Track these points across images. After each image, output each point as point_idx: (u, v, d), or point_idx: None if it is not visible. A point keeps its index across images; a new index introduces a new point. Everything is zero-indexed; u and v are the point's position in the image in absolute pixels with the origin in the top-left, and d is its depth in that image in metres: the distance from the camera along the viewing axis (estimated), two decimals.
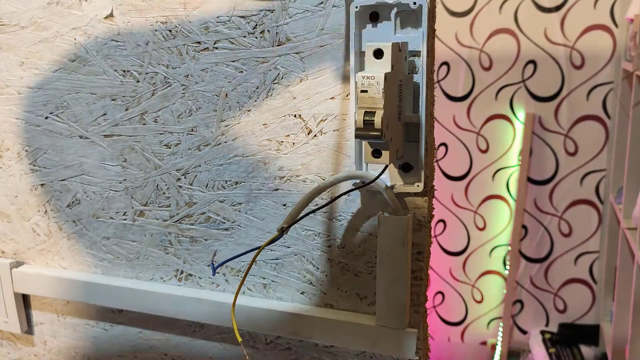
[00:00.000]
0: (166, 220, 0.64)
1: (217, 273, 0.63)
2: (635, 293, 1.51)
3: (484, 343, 2.24)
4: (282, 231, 0.52)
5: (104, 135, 0.64)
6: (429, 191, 0.54)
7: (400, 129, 0.51)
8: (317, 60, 0.54)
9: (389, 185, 0.53)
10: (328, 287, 0.60)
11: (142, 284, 0.66)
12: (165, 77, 0.60)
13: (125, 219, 0.66)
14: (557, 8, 1.89)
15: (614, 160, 1.84)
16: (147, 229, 0.65)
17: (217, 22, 0.56)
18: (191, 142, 0.61)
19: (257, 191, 0.59)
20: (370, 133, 0.47)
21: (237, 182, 0.60)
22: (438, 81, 2.05)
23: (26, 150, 0.68)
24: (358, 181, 0.54)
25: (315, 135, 0.56)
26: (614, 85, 1.88)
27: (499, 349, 2.15)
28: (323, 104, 0.55)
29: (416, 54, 0.51)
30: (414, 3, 0.49)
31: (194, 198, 0.62)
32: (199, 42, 0.58)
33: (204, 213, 0.62)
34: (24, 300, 0.74)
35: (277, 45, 0.55)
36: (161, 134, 0.62)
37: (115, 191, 0.65)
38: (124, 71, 0.61)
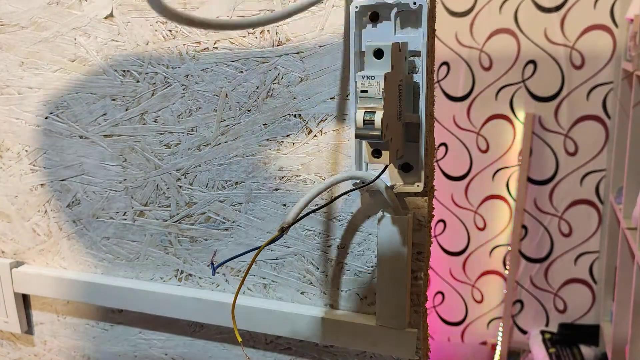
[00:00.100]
0: (166, 220, 0.64)
1: (217, 273, 0.63)
2: (635, 293, 1.51)
3: (484, 343, 2.24)
4: (282, 231, 0.52)
5: (104, 135, 0.64)
6: (429, 191, 0.54)
7: (400, 129, 0.51)
8: (317, 60, 0.54)
9: (389, 185, 0.53)
10: (328, 287, 0.60)
11: (142, 284, 0.66)
12: (165, 77, 0.60)
13: (125, 219, 0.66)
14: (557, 8, 1.89)
15: (614, 160, 1.84)
16: (147, 229, 0.65)
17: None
18: (191, 142, 0.61)
19: (257, 191, 0.59)
20: (370, 133, 0.47)
21: (237, 182, 0.60)
22: (438, 81, 2.05)
23: (26, 150, 0.68)
24: (358, 181, 0.54)
25: (315, 135, 0.56)
26: (614, 85, 1.88)
27: (499, 349, 2.15)
28: (323, 104, 0.55)
29: (416, 54, 0.51)
30: (414, 3, 0.49)
31: (194, 198, 0.62)
32: (199, 42, 0.58)
33: (204, 213, 0.62)
34: (24, 300, 0.74)
35: (277, 45, 0.55)
36: (161, 134, 0.62)
37: (115, 191, 0.65)
38: (124, 71, 0.61)
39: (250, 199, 0.60)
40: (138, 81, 0.61)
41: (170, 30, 0.58)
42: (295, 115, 0.56)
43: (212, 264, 0.62)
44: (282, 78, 0.56)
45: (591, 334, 2.05)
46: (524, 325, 2.18)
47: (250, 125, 0.58)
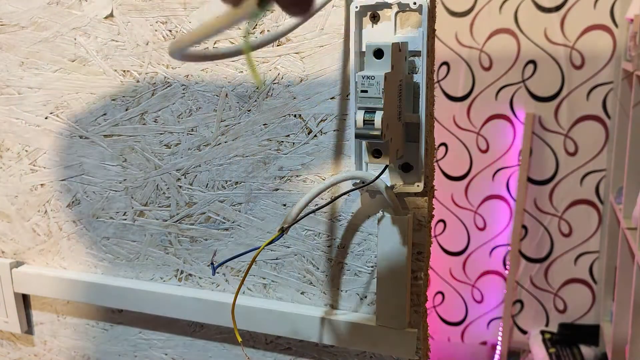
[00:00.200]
0: (166, 220, 0.64)
1: (217, 273, 0.63)
2: (635, 293, 1.51)
3: (484, 343, 2.24)
4: (282, 231, 0.52)
5: (104, 135, 0.64)
6: (429, 191, 0.54)
7: (400, 129, 0.51)
8: (317, 60, 0.54)
9: (389, 185, 0.53)
10: (328, 287, 0.60)
11: (142, 284, 0.66)
12: (165, 77, 0.60)
13: (125, 219, 0.66)
14: (557, 8, 1.89)
15: (614, 160, 1.84)
16: (147, 229, 0.65)
17: None
18: (191, 142, 0.61)
19: (257, 191, 0.59)
20: (370, 133, 0.47)
21: (237, 182, 0.60)
22: (438, 81, 2.05)
23: (26, 150, 0.68)
24: (358, 181, 0.54)
25: (315, 135, 0.56)
26: (614, 85, 1.88)
27: (499, 349, 2.15)
28: (323, 104, 0.55)
29: (416, 54, 0.51)
30: (414, 3, 0.49)
31: (194, 198, 0.62)
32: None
33: (204, 213, 0.62)
34: (24, 300, 0.74)
35: (277, 45, 0.55)
36: (161, 134, 0.62)
37: (115, 191, 0.65)
38: (124, 71, 0.61)
39: (250, 199, 0.60)
40: (138, 81, 0.61)
41: (170, 31, 0.58)
42: (295, 115, 0.56)
43: (212, 264, 0.62)
44: (282, 78, 0.56)
45: (591, 334, 2.05)
46: (524, 325, 2.18)
47: (250, 125, 0.58)
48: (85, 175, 0.66)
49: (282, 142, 0.57)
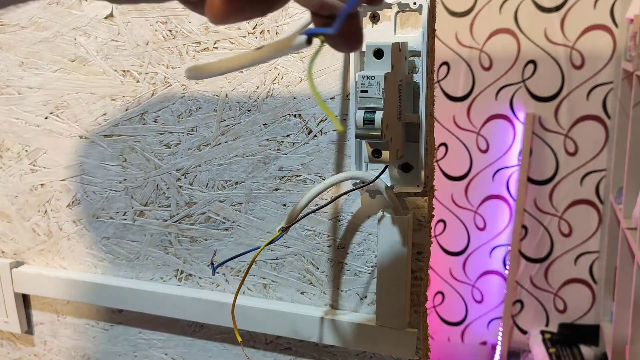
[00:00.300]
0: (166, 220, 0.64)
1: (217, 273, 0.63)
2: (635, 293, 1.51)
3: (484, 343, 2.24)
4: (282, 231, 0.52)
5: (104, 135, 0.64)
6: (429, 191, 0.54)
7: (400, 129, 0.51)
8: (317, 60, 0.54)
9: (389, 185, 0.53)
10: (328, 287, 0.60)
11: (142, 284, 0.66)
12: (165, 77, 0.60)
13: (125, 219, 0.66)
14: (557, 8, 1.89)
15: (614, 160, 1.84)
16: (147, 229, 0.65)
17: None
18: (191, 142, 0.61)
19: (257, 191, 0.59)
20: (370, 133, 0.47)
21: (237, 182, 0.60)
22: (438, 81, 2.05)
23: (26, 150, 0.68)
24: (358, 181, 0.54)
25: (315, 135, 0.56)
26: (614, 85, 1.88)
27: (499, 349, 2.15)
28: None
29: (416, 54, 0.51)
30: (414, 3, 0.49)
31: (194, 198, 0.62)
32: (199, 42, 0.58)
33: (204, 213, 0.62)
34: (24, 300, 0.74)
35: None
36: (161, 134, 0.62)
37: (115, 191, 0.65)
38: (124, 71, 0.61)
39: (250, 199, 0.60)
40: (138, 81, 0.61)
41: (170, 30, 0.58)
42: (295, 115, 0.56)
43: (212, 264, 0.62)
44: (282, 78, 0.56)
45: (591, 334, 2.05)
46: (524, 325, 2.18)
47: (250, 125, 0.58)
48: (85, 175, 0.66)
49: (282, 142, 0.57)
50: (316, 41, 0.27)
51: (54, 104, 0.65)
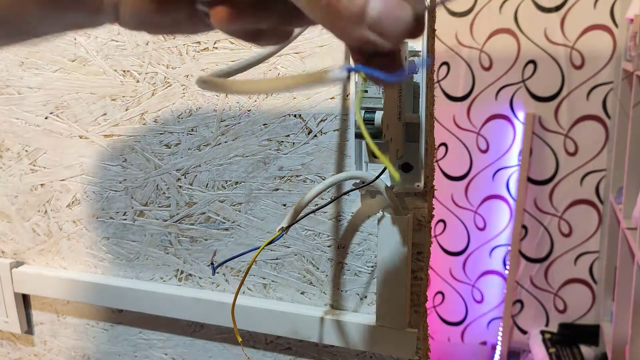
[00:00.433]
0: (166, 220, 0.64)
1: (217, 273, 0.63)
2: (635, 293, 1.51)
3: (484, 343, 2.24)
4: (282, 231, 0.52)
5: (104, 135, 0.64)
6: (429, 191, 0.54)
7: (400, 129, 0.51)
8: (317, 60, 0.54)
9: (389, 185, 0.53)
10: (328, 287, 0.60)
11: (142, 284, 0.66)
12: (165, 77, 0.60)
13: (125, 219, 0.66)
14: (557, 8, 1.89)
15: (614, 160, 1.84)
16: (147, 229, 0.65)
17: None
18: (191, 142, 0.61)
19: (257, 191, 0.59)
20: (370, 133, 0.47)
21: (237, 182, 0.60)
22: (438, 81, 2.05)
23: (26, 150, 0.68)
24: (358, 181, 0.54)
25: (315, 135, 0.56)
26: (614, 85, 1.88)
27: (499, 349, 2.15)
28: (323, 104, 0.55)
29: (416, 54, 0.51)
30: None
31: (194, 198, 0.62)
32: (199, 42, 0.58)
33: (204, 213, 0.62)
34: (24, 300, 0.74)
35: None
36: (161, 134, 0.62)
37: (115, 191, 0.65)
38: (124, 71, 0.61)
39: (250, 199, 0.60)
40: (138, 81, 0.61)
41: None
42: (295, 115, 0.56)
43: (212, 264, 0.62)
44: None
45: (591, 334, 2.05)
46: (524, 325, 2.18)
47: (250, 125, 0.58)
48: (85, 175, 0.66)
49: (282, 142, 0.57)
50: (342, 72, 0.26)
51: (54, 104, 0.65)
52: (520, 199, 2.02)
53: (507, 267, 2.10)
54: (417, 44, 0.50)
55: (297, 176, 0.58)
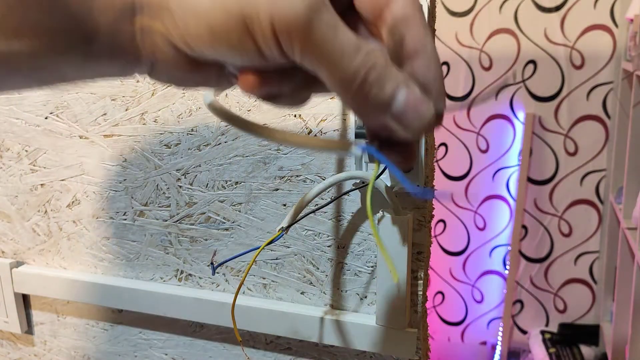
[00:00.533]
0: (166, 220, 0.64)
1: (217, 273, 0.63)
2: (635, 293, 1.51)
3: (484, 343, 2.24)
4: (282, 231, 0.52)
5: (104, 135, 0.64)
6: None
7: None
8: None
9: (389, 185, 0.53)
10: (328, 287, 0.60)
11: (142, 284, 0.66)
12: None
13: (125, 219, 0.66)
14: (557, 8, 1.89)
15: (614, 160, 1.84)
16: (147, 229, 0.65)
17: None
18: (191, 142, 0.61)
19: (257, 191, 0.59)
20: None
21: (237, 182, 0.60)
22: None
23: (26, 150, 0.68)
24: (358, 181, 0.54)
25: (315, 135, 0.56)
26: (614, 85, 1.88)
27: (499, 349, 2.15)
28: (323, 104, 0.55)
29: None
30: None
31: (194, 198, 0.62)
32: None
33: (204, 213, 0.62)
34: (24, 300, 0.74)
35: None
36: (161, 134, 0.62)
37: (115, 191, 0.65)
38: None
39: (250, 199, 0.60)
40: (138, 81, 0.61)
41: None
42: (295, 115, 0.56)
43: (212, 264, 0.62)
44: None
45: (591, 334, 2.05)
46: (524, 325, 2.18)
47: None
48: (85, 175, 0.66)
49: None
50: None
51: (54, 104, 0.65)
52: (520, 199, 2.03)
53: (507, 267, 2.10)
54: None
55: (297, 176, 0.58)
